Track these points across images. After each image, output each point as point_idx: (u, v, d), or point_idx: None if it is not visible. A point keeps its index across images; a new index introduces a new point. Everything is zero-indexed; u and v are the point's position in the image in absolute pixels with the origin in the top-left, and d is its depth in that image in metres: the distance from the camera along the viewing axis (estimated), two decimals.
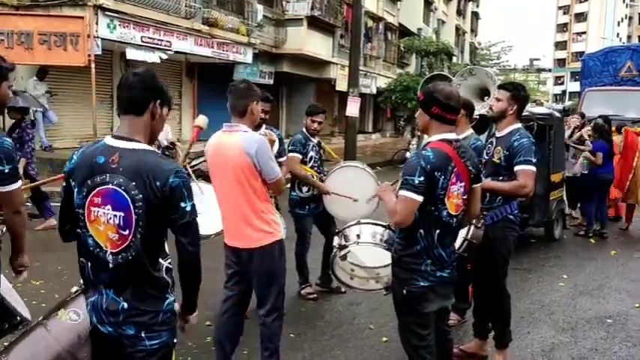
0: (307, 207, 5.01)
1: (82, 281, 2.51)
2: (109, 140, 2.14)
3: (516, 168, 3.70)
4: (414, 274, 2.85)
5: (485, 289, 4.04)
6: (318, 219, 5.15)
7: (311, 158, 5.01)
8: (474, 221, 3.68)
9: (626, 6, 78.67)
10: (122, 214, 2.04)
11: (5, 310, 2.66)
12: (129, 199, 2.03)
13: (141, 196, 2.02)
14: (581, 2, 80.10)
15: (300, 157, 4.94)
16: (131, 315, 2.09)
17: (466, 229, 3.67)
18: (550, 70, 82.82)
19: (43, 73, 11.17)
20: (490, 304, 4.02)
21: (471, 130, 4.35)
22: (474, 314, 4.27)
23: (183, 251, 2.15)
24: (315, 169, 5.02)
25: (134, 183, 2.03)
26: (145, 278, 2.10)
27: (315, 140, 5.11)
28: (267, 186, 3.31)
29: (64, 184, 2.19)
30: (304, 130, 5.09)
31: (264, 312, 3.38)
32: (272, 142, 3.75)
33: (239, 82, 3.46)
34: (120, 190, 2.04)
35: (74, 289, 2.54)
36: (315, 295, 5.19)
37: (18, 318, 2.70)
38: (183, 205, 2.07)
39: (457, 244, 3.68)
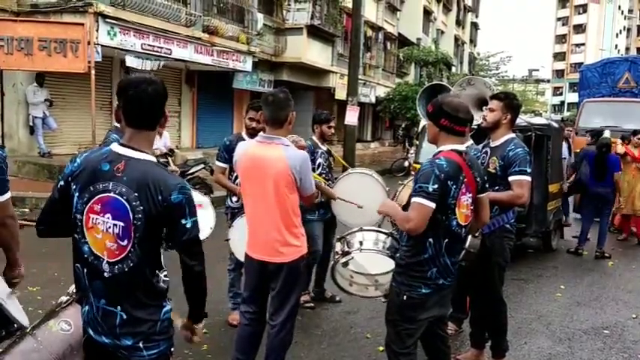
0: (317, 212, 5.03)
1: (73, 289, 2.50)
2: (116, 147, 2.08)
3: (511, 178, 3.72)
4: (418, 280, 2.88)
5: (482, 299, 4.04)
6: (325, 226, 5.14)
7: (319, 165, 5.02)
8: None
9: (625, 18, 79.11)
10: (122, 224, 2.00)
11: (1, 317, 2.63)
12: (129, 209, 1.99)
13: (142, 207, 1.98)
14: (580, 14, 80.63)
15: None
16: (129, 325, 2.05)
17: None
18: (549, 81, 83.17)
19: (41, 78, 11.19)
20: (487, 313, 4.02)
21: (470, 141, 4.37)
22: (470, 324, 4.26)
23: (187, 271, 2.12)
24: (324, 176, 5.04)
25: (137, 194, 1.99)
26: (142, 288, 2.06)
27: (324, 148, 5.14)
28: (302, 199, 3.34)
29: (62, 183, 2.12)
30: (314, 137, 5.13)
31: (279, 323, 3.36)
32: (303, 149, 3.79)
33: (277, 91, 3.37)
34: (121, 199, 2.00)
35: (64, 298, 2.50)
36: (312, 304, 5.17)
37: (15, 325, 2.67)
38: (183, 221, 2.02)
39: None
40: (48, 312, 2.48)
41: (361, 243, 3.68)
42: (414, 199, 2.77)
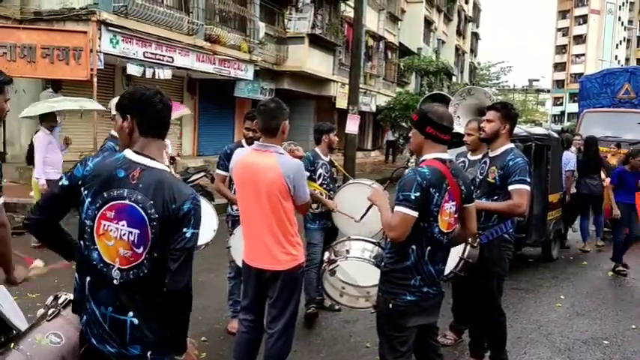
0: (317, 222, 5.07)
1: (51, 300, 2.46)
2: (130, 154, 2.10)
3: (510, 187, 3.73)
4: (401, 288, 2.88)
5: (480, 309, 4.03)
6: (326, 235, 5.16)
7: (320, 176, 5.06)
8: (470, 240, 3.69)
9: (625, 29, 79.46)
10: (138, 232, 2.01)
11: (1, 323, 2.63)
12: (145, 216, 2.00)
13: (157, 215, 2.00)
14: (580, 25, 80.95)
15: (307, 174, 4.97)
16: (139, 333, 2.03)
17: (462, 248, 3.69)
18: (549, 91, 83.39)
19: (58, 85, 11.17)
20: (486, 323, 4.02)
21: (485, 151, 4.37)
22: (470, 334, 4.26)
23: (170, 286, 2.02)
24: (325, 186, 5.07)
25: (152, 201, 2.00)
26: (154, 295, 2.04)
27: (326, 159, 5.18)
28: (296, 207, 3.34)
29: (66, 183, 2.11)
30: (316, 149, 5.19)
31: (277, 331, 3.35)
32: (300, 158, 3.80)
33: (269, 101, 3.41)
34: (137, 206, 2.01)
35: (42, 311, 2.48)
36: (315, 311, 5.15)
37: (15, 331, 2.66)
38: (185, 230, 2.02)
39: (453, 263, 3.71)
40: (31, 325, 2.45)
41: (347, 251, 3.69)
42: (397, 208, 2.78)
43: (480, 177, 3.98)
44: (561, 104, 79.03)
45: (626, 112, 13.54)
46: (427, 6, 33.83)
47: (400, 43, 29.85)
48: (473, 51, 49.58)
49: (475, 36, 50.42)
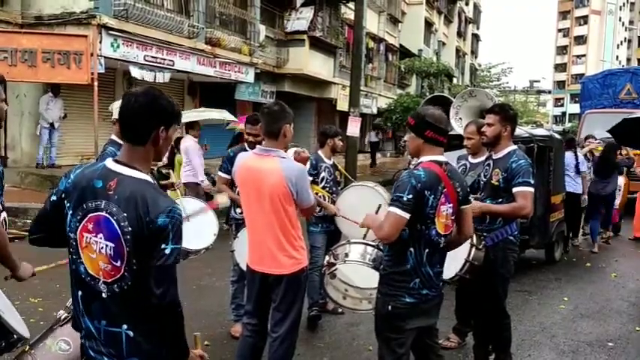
0: (320, 225, 5.06)
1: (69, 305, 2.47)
2: (110, 164, 1.99)
3: (515, 189, 3.72)
4: (401, 290, 2.87)
5: (485, 311, 4.01)
6: (329, 238, 5.15)
7: (323, 179, 5.06)
8: (475, 242, 3.68)
9: (625, 29, 79.47)
10: (113, 245, 1.91)
11: (2, 328, 2.62)
12: (119, 230, 1.89)
13: (130, 228, 1.88)
14: (580, 25, 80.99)
15: (311, 178, 4.97)
16: (136, 344, 1.97)
17: (467, 250, 3.67)
18: (550, 92, 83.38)
19: (57, 89, 11.21)
20: (490, 326, 4.00)
21: (487, 154, 4.35)
22: (474, 337, 4.24)
23: (154, 302, 1.91)
24: (327, 189, 5.06)
25: (125, 214, 1.88)
26: (145, 306, 1.95)
27: (329, 162, 5.17)
28: (300, 212, 3.32)
29: (54, 198, 2.05)
30: (319, 152, 5.19)
31: (280, 335, 3.34)
32: (305, 161, 3.78)
33: (272, 104, 3.38)
34: (112, 219, 1.91)
35: (62, 313, 2.46)
36: (317, 314, 5.13)
37: (15, 336, 2.65)
38: (163, 246, 1.88)
39: (459, 265, 3.69)
40: (47, 329, 2.44)
41: (346, 255, 3.68)
42: (389, 208, 2.79)
43: (484, 179, 3.97)
44: (562, 105, 79.06)
45: (628, 112, 13.50)
46: (427, 8, 33.87)
47: (401, 45, 29.88)
48: (473, 52, 49.63)
49: (475, 37, 50.47)
